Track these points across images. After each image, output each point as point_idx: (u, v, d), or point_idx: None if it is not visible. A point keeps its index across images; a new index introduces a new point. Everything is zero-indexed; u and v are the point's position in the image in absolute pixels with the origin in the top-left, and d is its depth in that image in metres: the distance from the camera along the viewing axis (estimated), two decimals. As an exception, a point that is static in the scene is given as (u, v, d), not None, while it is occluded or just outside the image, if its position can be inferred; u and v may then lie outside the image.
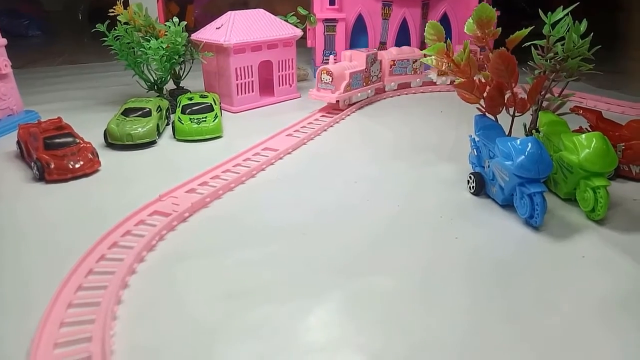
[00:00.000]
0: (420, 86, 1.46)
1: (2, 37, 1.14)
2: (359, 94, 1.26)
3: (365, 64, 1.26)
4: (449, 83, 1.22)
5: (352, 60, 1.26)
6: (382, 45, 1.63)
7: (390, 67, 1.36)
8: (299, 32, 1.32)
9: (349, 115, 1.25)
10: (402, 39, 1.62)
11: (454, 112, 1.28)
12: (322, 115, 1.20)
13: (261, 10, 1.30)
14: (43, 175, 0.87)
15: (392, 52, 1.38)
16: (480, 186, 0.82)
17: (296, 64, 1.37)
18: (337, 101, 1.20)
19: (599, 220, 0.75)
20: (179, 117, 1.08)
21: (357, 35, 1.63)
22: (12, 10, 2.34)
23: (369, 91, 1.31)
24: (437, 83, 1.24)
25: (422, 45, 1.66)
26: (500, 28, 0.79)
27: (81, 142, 0.93)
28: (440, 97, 1.42)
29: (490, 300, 0.59)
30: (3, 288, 0.61)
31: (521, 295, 0.60)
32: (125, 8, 1.23)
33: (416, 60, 1.39)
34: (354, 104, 1.27)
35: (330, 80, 1.18)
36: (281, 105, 1.33)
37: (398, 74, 1.39)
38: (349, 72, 1.21)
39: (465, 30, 0.81)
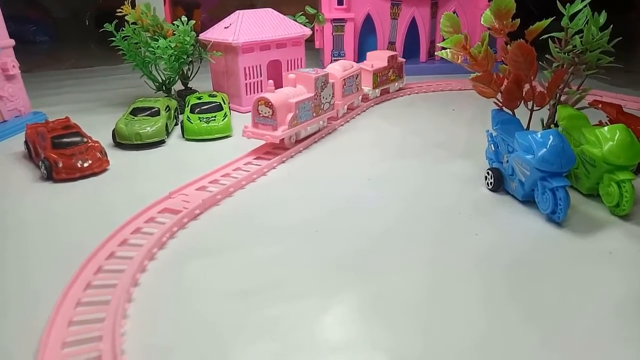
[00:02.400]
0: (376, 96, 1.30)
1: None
2: (308, 128, 1.01)
3: (314, 89, 1.00)
4: (378, 95, 1.28)
5: (297, 85, 1.00)
6: (391, 45, 1.62)
7: (342, 88, 1.13)
8: (307, 31, 1.31)
9: (359, 114, 1.23)
10: (411, 38, 1.60)
11: (466, 109, 1.26)
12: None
13: (270, 10, 1.29)
14: (51, 175, 0.86)
15: (338, 70, 1.14)
16: (499, 182, 0.79)
17: (305, 63, 1.36)
18: (282, 139, 0.95)
19: (624, 216, 0.72)
20: (188, 117, 1.07)
21: (366, 36, 1.62)
22: (20, 16, 2.35)
23: (321, 122, 1.05)
24: (370, 97, 1.26)
25: (432, 45, 1.65)
26: (518, 19, 0.77)
27: (89, 141, 0.92)
28: (451, 96, 1.40)
29: (512, 299, 0.57)
30: (11, 287, 0.60)
31: (545, 293, 0.57)
32: (132, 8, 1.22)
33: (358, 76, 1.19)
34: (304, 139, 1.01)
35: (270, 113, 0.92)
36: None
37: (347, 95, 1.16)
38: (294, 101, 0.94)
39: (482, 22, 0.79)
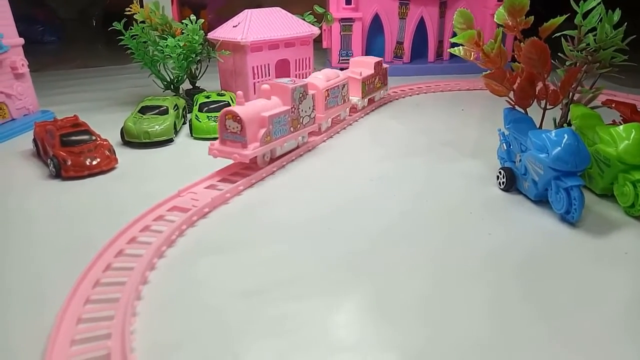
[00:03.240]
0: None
1: (19, 38, 1.14)
2: (285, 144, 0.90)
3: (291, 101, 0.90)
4: (366, 105, 1.19)
5: (272, 96, 0.89)
6: (399, 45, 1.61)
7: (325, 99, 1.03)
8: (316, 30, 1.30)
9: (367, 113, 1.22)
10: (420, 38, 1.60)
11: (475, 109, 1.25)
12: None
13: (278, 9, 1.29)
14: (59, 172, 0.86)
15: (321, 80, 1.03)
16: (511, 181, 0.78)
17: (313, 62, 1.35)
18: (255, 158, 0.84)
19: (639, 216, 0.71)
20: (196, 115, 1.06)
21: (374, 35, 1.61)
22: (28, 17, 2.36)
23: (300, 138, 0.95)
24: (358, 107, 1.16)
25: (440, 45, 1.64)
26: (532, 16, 0.76)
27: (98, 139, 0.92)
28: (460, 96, 1.39)
29: (526, 299, 0.55)
30: (19, 284, 0.59)
31: (559, 293, 0.56)
32: (141, 7, 1.22)
33: (344, 86, 1.09)
34: (280, 157, 0.90)
35: (239, 128, 0.81)
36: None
37: (332, 107, 1.05)
38: (267, 114, 0.84)
39: (495, 20, 0.78)
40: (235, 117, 0.81)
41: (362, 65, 1.21)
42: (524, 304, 0.55)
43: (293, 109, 0.90)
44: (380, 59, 1.25)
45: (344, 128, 1.11)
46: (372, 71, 1.21)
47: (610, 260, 0.62)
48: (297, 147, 0.95)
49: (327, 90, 1.02)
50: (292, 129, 0.90)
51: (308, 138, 0.98)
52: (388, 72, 1.30)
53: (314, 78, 1.03)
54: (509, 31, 0.77)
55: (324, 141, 1.03)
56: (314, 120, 0.97)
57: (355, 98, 1.17)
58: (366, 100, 1.21)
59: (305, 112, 0.93)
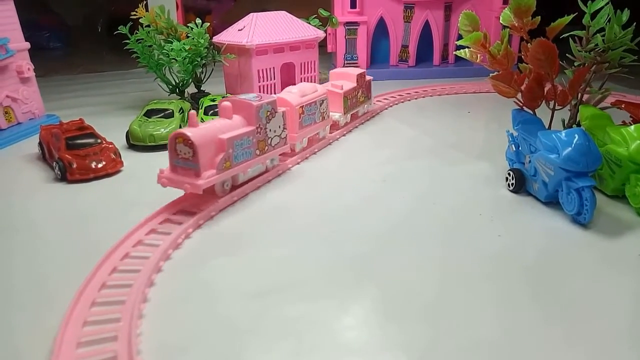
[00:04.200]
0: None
1: (24, 43, 1.15)
2: (249, 170, 0.79)
3: (256, 120, 0.78)
4: (349, 121, 1.08)
5: (235, 115, 0.78)
6: (404, 49, 1.60)
7: (300, 117, 0.92)
8: (321, 34, 1.30)
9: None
10: (425, 42, 1.59)
11: (482, 112, 1.25)
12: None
13: (283, 12, 1.29)
14: (65, 175, 0.85)
15: (295, 95, 0.93)
16: (520, 183, 0.77)
17: (318, 66, 1.35)
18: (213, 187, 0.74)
19: (652, 217, 0.70)
20: (202, 118, 1.06)
21: (379, 39, 1.61)
22: (34, 23, 2.37)
23: (268, 161, 0.84)
24: (340, 124, 1.06)
25: (445, 49, 1.63)
26: (539, 17, 0.75)
27: (103, 142, 0.92)
28: (466, 98, 1.38)
29: (537, 301, 0.55)
30: (25, 287, 0.59)
31: (571, 295, 0.55)
32: (146, 11, 1.22)
33: (323, 102, 0.98)
34: (243, 184, 0.80)
35: (191, 154, 0.70)
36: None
37: (308, 125, 0.94)
38: (225, 137, 0.73)
39: (501, 21, 0.78)
40: (186, 141, 0.69)
41: (344, 78, 1.11)
42: (534, 305, 0.54)
43: (259, 129, 0.79)
44: (363, 70, 1.16)
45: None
46: (355, 84, 1.10)
47: (623, 262, 0.61)
48: (266, 171, 0.85)
49: (302, 106, 0.91)
50: (258, 151, 0.79)
51: (280, 160, 0.88)
52: (394, 75, 1.29)
53: (287, 93, 0.93)
54: (515, 32, 0.76)
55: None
56: (285, 141, 0.86)
57: (336, 114, 1.06)
58: (349, 116, 1.10)
59: (275, 131, 0.82)
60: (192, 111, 0.73)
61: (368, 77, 1.17)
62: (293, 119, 0.90)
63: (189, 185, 0.70)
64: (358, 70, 1.14)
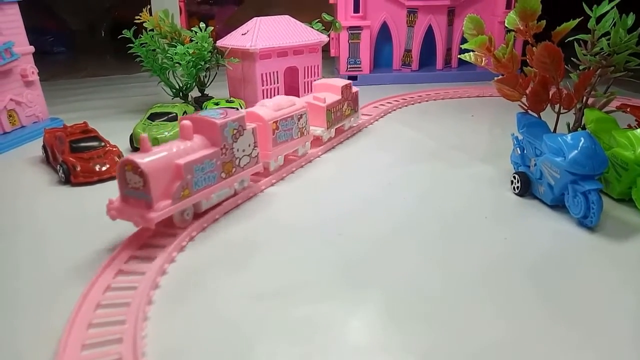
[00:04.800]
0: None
1: (29, 47, 1.15)
2: (213, 196, 0.71)
3: (221, 140, 0.70)
4: (333, 136, 1.00)
5: (195, 135, 0.70)
6: (407, 53, 1.61)
7: (274, 133, 0.84)
8: (324, 38, 1.30)
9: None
10: (428, 46, 1.59)
11: (485, 116, 1.25)
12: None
13: (287, 17, 1.29)
14: (69, 178, 0.85)
15: (267, 109, 0.85)
16: (526, 186, 0.77)
17: (322, 70, 1.35)
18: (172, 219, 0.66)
19: (659, 221, 0.69)
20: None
21: (382, 43, 1.61)
22: (38, 28, 2.38)
23: (237, 184, 0.76)
24: (324, 139, 0.99)
25: (448, 53, 1.63)
26: (544, 20, 0.75)
27: (107, 145, 0.92)
28: (469, 102, 1.38)
29: (543, 305, 0.54)
30: (29, 289, 0.58)
31: (578, 299, 0.55)
32: (150, 15, 1.23)
33: (302, 116, 0.90)
34: (207, 212, 0.72)
35: (142, 183, 0.62)
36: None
37: (284, 142, 0.87)
38: (183, 161, 0.65)
39: (506, 24, 0.78)
40: (136, 169, 0.61)
41: (327, 89, 1.04)
42: (540, 309, 0.53)
43: (224, 150, 0.71)
44: (349, 81, 1.08)
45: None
46: (339, 96, 1.03)
47: (630, 266, 0.61)
48: (235, 194, 0.77)
49: (276, 121, 0.84)
50: (223, 174, 0.72)
51: (250, 181, 0.80)
52: (398, 79, 1.29)
53: (260, 107, 0.86)
54: (520, 36, 0.76)
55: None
56: (257, 160, 0.78)
57: (318, 129, 0.99)
58: (333, 130, 1.03)
59: (243, 151, 0.74)
60: (144, 134, 0.65)
61: (354, 89, 1.09)
62: (266, 135, 0.82)
63: (139, 219, 0.62)
64: (343, 82, 1.06)
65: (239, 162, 0.74)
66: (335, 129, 1.04)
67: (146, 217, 0.61)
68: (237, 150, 0.74)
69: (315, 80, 1.10)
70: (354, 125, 1.12)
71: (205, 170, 0.68)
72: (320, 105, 0.98)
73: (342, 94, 1.03)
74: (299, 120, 0.89)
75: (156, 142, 0.99)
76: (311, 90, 1.24)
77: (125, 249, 0.63)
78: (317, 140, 0.99)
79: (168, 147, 0.66)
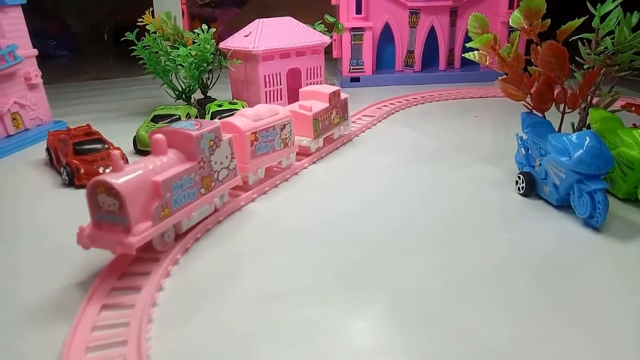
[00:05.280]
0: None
1: (32, 49, 1.15)
2: (194, 214, 0.66)
3: (198, 153, 0.66)
4: (321, 146, 0.95)
5: (170, 150, 0.65)
6: (410, 54, 1.60)
7: (253, 145, 0.79)
8: (327, 39, 1.30)
9: (380, 121, 1.21)
10: (430, 47, 1.59)
11: (489, 116, 1.24)
12: (353, 122, 1.17)
13: (289, 18, 1.29)
14: (72, 180, 0.85)
15: (246, 119, 0.80)
16: (531, 186, 0.77)
17: (324, 72, 1.35)
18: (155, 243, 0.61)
19: (665, 221, 0.69)
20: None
21: (384, 45, 1.61)
22: (41, 31, 2.39)
23: (217, 199, 0.71)
24: (311, 150, 0.94)
25: (451, 54, 1.63)
26: (549, 19, 0.75)
27: (111, 147, 0.92)
28: (472, 103, 1.37)
29: (549, 305, 0.54)
30: (33, 291, 0.58)
31: (585, 300, 0.54)
32: (153, 17, 1.23)
33: (285, 126, 0.85)
34: (188, 232, 0.67)
35: (117, 206, 0.56)
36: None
37: (264, 153, 0.82)
38: (161, 178, 0.60)
39: (510, 23, 0.78)
40: (110, 190, 0.56)
41: (314, 97, 0.98)
42: (546, 311, 0.53)
43: (202, 163, 0.66)
44: (338, 88, 1.02)
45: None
46: (327, 104, 0.97)
47: (637, 267, 0.60)
48: (215, 211, 0.72)
49: (254, 132, 0.79)
50: (202, 190, 0.67)
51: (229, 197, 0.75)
52: (400, 80, 1.28)
53: (237, 117, 0.81)
54: (525, 35, 0.76)
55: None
56: (235, 172, 0.74)
57: (305, 139, 0.93)
58: (321, 140, 0.97)
59: (221, 163, 0.70)
60: (115, 152, 0.60)
61: (343, 96, 1.03)
62: (243, 147, 0.77)
63: (117, 245, 0.56)
64: (331, 88, 1.00)
65: (218, 175, 0.70)
66: (324, 138, 0.98)
67: (125, 243, 0.55)
68: (215, 163, 0.69)
69: (302, 88, 1.05)
70: (345, 133, 1.06)
71: (184, 187, 0.63)
72: (306, 114, 0.92)
73: (329, 101, 0.98)
74: (282, 131, 0.84)
75: (159, 144, 0.99)
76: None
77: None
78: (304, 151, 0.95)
79: (142, 164, 0.61)
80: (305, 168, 0.92)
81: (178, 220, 0.63)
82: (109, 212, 0.57)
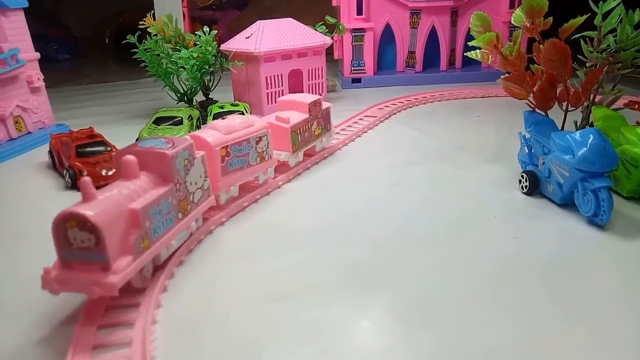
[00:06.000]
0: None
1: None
2: (173, 242, 0.60)
3: (173, 175, 0.59)
4: (301, 160, 0.89)
5: (142, 171, 0.57)
6: (411, 55, 1.60)
7: (224, 161, 0.72)
8: (328, 41, 1.30)
9: (382, 122, 1.21)
10: (431, 47, 1.59)
11: (491, 116, 1.24)
12: (355, 122, 1.17)
13: (290, 19, 1.29)
14: (75, 183, 0.85)
15: (217, 132, 0.73)
16: (534, 185, 0.76)
17: (325, 73, 1.35)
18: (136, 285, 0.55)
19: (670, 218, 0.69)
20: (211, 125, 1.06)
21: (385, 45, 1.61)
22: (43, 35, 2.40)
23: (193, 224, 0.65)
24: (291, 165, 0.87)
25: (452, 54, 1.63)
26: (551, 17, 0.75)
27: (113, 149, 0.92)
28: (474, 103, 1.37)
29: (554, 304, 0.54)
30: (37, 294, 0.58)
31: (590, 298, 0.54)
32: (154, 20, 1.23)
33: (261, 139, 0.78)
34: (168, 260, 0.60)
35: (93, 241, 0.49)
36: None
37: (237, 169, 0.75)
38: (139, 206, 0.53)
39: (512, 21, 0.78)
40: (83, 224, 0.48)
41: (293, 107, 0.92)
42: (550, 309, 0.53)
43: (178, 185, 0.60)
44: (319, 97, 0.95)
45: (359, 135, 0.95)
46: (307, 114, 0.90)
47: (643, 264, 0.60)
48: (190, 236, 0.65)
49: (225, 147, 0.72)
50: (180, 215, 0.60)
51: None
52: (401, 81, 1.28)
53: (207, 131, 0.73)
54: (527, 33, 0.76)
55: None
56: (209, 192, 0.68)
57: (282, 153, 0.87)
58: (301, 154, 0.90)
59: (196, 183, 0.64)
60: (85, 178, 0.51)
61: (325, 105, 0.96)
62: (213, 163, 0.70)
63: (95, 287, 0.48)
64: (311, 97, 0.93)
65: (193, 197, 0.63)
66: (305, 151, 0.91)
67: (105, 284, 0.48)
68: (190, 183, 0.62)
69: (280, 97, 0.99)
70: (327, 145, 0.99)
71: (162, 213, 0.56)
72: (283, 127, 0.85)
73: (309, 111, 0.91)
74: (257, 144, 0.77)
75: (162, 146, 0.99)
76: (312, 93, 1.24)
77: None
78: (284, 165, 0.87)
79: (113, 190, 0.53)
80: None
81: (155, 254, 0.56)
82: (82, 249, 0.49)
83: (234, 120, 0.76)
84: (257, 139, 0.77)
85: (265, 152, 0.79)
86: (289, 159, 0.87)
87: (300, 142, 0.89)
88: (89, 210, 0.49)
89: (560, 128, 0.77)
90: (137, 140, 1.02)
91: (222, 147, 0.72)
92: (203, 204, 0.66)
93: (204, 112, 1.20)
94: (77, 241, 0.49)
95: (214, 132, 0.73)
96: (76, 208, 0.49)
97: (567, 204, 0.72)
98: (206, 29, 1.19)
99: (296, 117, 0.89)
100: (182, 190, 0.61)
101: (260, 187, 0.81)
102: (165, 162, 0.58)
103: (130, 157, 0.56)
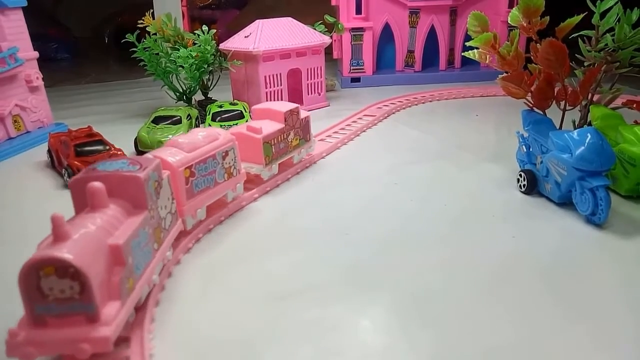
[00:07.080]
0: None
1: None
2: (153, 277, 0.53)
3: (147, 200, 0.52)
4: (276, 173, 0.83)
5: (113, 200, 0.49)
6: (410, 54, 1.61)
7: (188, 182, 0.65)
8: (327, 40, 1.30)
9: (381, 121, 1.21)
10: (430, 46, 1.59)
11: (489, 115, 1.24)
12: (354, 122, 1.17)
13: (289, 19, 1.29)
14: (74, 182, 0.85)
15: (177, 152, 0.64)
16: (532, 184, 0.76)
17: (325, 72, 1.35)
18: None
19: (668, 217, 0.69)
20: (210, 124, 1.06)
21: (385, 45, 1.61)
22: (42, 35, 2.40)
23: (168, 253, 0.59)
24: (264, 179, 0.81)
25: (451, 53, 1.63)
26: (548, 17, 0.75)
27: (112, 149, 0.92)
28: (473, 102, 1.37)
29: (553, 303, 0.54)
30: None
31: (588, 296, 0.54)
32: (153, 19, 1.23)
33: (228, 153, 0.71)
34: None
35: (78, 290, 0.41)
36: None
37: (204, 189, 0.67)
38: (121, 241, 0.45)
39: (509, 21, 0.78)
40: (64, 270, 0.41)
41: (268, 116, 0.85)
42: (549, 308, 0.53)
43: (152, 212, 0.52)
44: (296, 105, 0.88)
45: (358, 134, 0.96)
46: (282, 124, 0.84)
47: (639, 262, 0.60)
48: (163, 267, 0.58)
49: (189, 166, 0.64)
50: (156, 245, 0.54)
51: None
52: (401, 80, 1.28)
53: (167, 150, 0.65)
54: (524, 32, 0.76)
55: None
56: (177, 216, 0.61)
57: (254, 166, 0.81)
58: (275, 166, 0.84)
59: (165, 207, 0.57)
60: (57, 214, 0.43)
61: (304, 114, 0.90)
62: (177, 186, 0.63)
63: (83, 345, 0.41)
64: (288, 106, 0.86)
65: (165, 223, 0.56)
66: (279, 164, 0.85)
67: (96, 339, 0.41)
68: (161, 208, 0.55)
69: (255, 105, 0.91)
70: (306, 157, 0.92)
71: (141, 245, 0.49)
72: (254, 137, 0.79)
73: (285, 121, 0.84)
74: (223, 159, 0.70)
75: (160, 145, 0.99)
76: (311, 93, 1.24)
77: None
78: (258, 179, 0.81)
79: (86, 224, 0.45)
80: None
81: (142, 289, 0.49)
82: (61, 301, 0.41)
83: (195, 135, 0.69)
84: (224, 154, 0.70)
85: (232, 167, 0.72)
86: (262, 172, 0.81)
87: (275, 153, 0.82)
88: (67, 252, 0.40)
89: (558, 127, 0.78)
90: (135, 139, 1.02)
91: (186, 168, 0.64)
92: (173, 229, 0.59)
93: (203, 112, 1.20)
94: (55, 292, 0.41)
95: (174, 151, 0.64)
96: (51, 252, 0.41)
97: (565, 202, 0.73)
98: (205, 28, 1.19)
99: (270, 126, 0.82)
100: (155, 216, 0.53)
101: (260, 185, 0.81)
102: (138, 186, 0.50)
103: (98, 184, 0.48)
